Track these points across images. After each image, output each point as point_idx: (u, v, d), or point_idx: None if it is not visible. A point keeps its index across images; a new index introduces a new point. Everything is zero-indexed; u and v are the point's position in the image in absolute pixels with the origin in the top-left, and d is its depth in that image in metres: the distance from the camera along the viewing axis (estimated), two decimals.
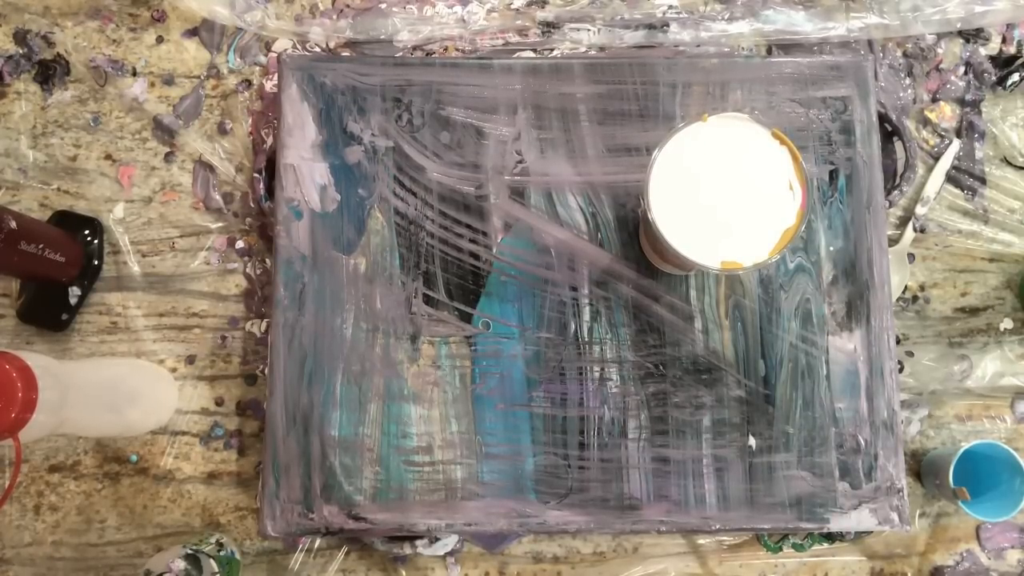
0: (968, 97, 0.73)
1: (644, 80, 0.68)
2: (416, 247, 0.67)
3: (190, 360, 0.69)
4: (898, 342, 0.70)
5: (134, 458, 0.68)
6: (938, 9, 0.71)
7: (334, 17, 0.73)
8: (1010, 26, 0.74)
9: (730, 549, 0.68)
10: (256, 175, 0.70)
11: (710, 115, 0.54)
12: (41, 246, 0.64)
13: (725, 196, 0.54)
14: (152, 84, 0.73)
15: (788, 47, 0.73)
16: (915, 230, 0.71)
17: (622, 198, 0.67)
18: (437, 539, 0.65)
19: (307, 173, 0.67)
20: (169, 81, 0.73)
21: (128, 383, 0.67)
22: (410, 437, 0.64)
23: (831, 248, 0.66)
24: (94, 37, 0.74)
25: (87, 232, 0.70)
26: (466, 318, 0.66)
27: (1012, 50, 0.74)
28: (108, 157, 0.72)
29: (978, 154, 0.73)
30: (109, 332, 0.70)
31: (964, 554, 0.68)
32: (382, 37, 0.73)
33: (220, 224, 0.71)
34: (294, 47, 0.73)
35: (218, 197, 0.71)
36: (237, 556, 0.65)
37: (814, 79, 0.68)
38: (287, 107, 0.68)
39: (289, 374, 0.64)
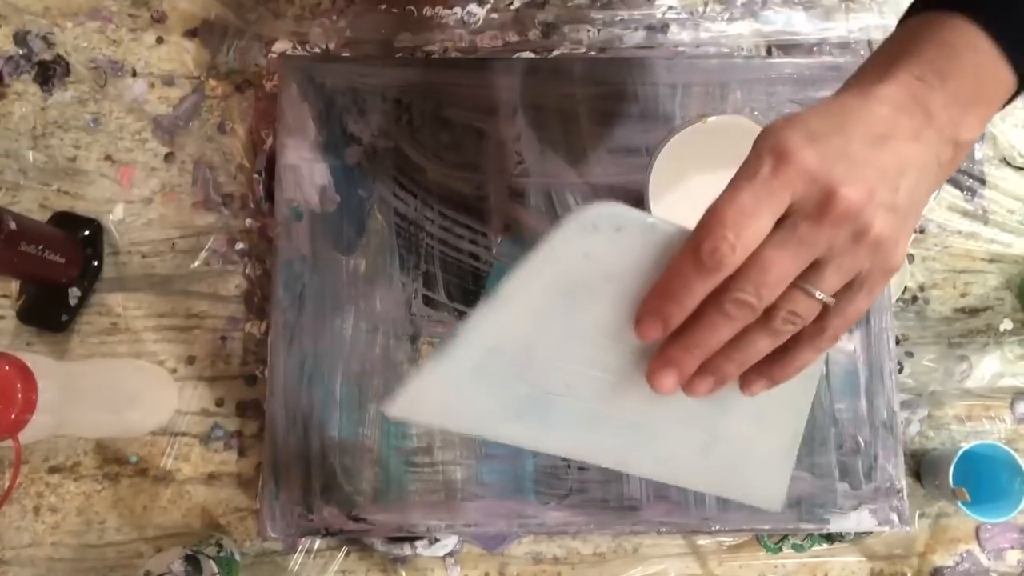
0: None
1: (644, 81, 0.68)
2: (416, 248, 0.67)
3: (190, 361, 0.69)
4: (898, 342, 0.70)
5: (134, 459, 0.68)
6: None
7: (334, 18, 0.73)
8: None
9: (730, 550, 0.68)
10: (256, 176, 0.70)
11: (710, 117, 0.54)
12: (41, 247, 0.64)
13: None
14: (152, 85, 0.73)
15: (787, 48, 0.73)
16: (915, 230, 0.71)
17: (622, 198, 0.67)
18: (437, 540, 0.65)
19: (307, 174, 0.67)
20: (169, 82, 0.73)
21: (128, 384, 0.67)
22: (410, 438, 0.64)
23: None
24: (94, 38, 0.74)
25: (87, 233, 0.70)
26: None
27: None
28: (108, 158, 0.72)
29: (978, 155, 0.73)
30: (109, 333, 0.70)
31: (964, 555, 0.68)
32: (382, 38, 0.73)
33: (220, 225, 0.71)
34: (294, 48, 0.73)
35: (218, 198, 0.71)
36: (237, 557, 0.64)
37: (814, 80, 0.68)
38: (287, 108, 0.68)
39: (289, 375, 0.64)
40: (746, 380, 0.39)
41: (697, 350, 0.36)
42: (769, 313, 0.35)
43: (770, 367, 0.38)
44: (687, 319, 0.36)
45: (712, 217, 0.34)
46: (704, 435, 0.40)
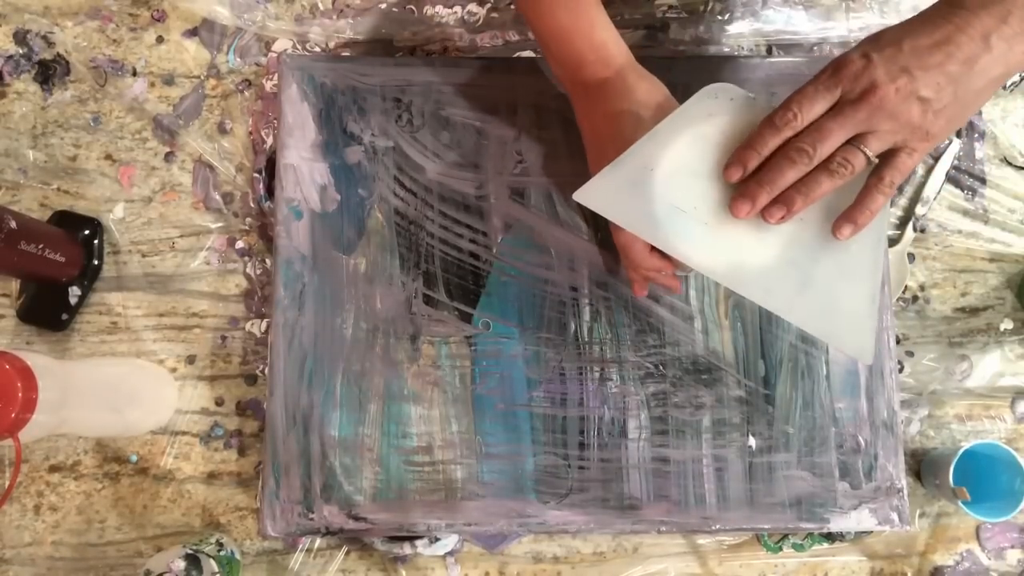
0: None
1: None
2: (416, 247, 0.67)
3: (190, 360, 0.69)
4: (898, 342, 0.70)
5: (134, 458, 0.68)
6: None
7: (334, 17, 0.73)
8: None
9: (730, 549, 0.68)
10: (256, 175, 0.70)
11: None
12: (41, 246, 0.64)
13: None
14: (152, 84, 0.73)
15: (788, 47, 0.73)
16: (915, 230, 0.71)
17: None
18: (437, 539, 0.65)
19: (307, 173, 0.67)
20: (169, 81, 0.73)
21: (128, 383, 0.67)
22: (410, 437, 0.64)
23: None
24: (94, 37, 0.74)
25: (87, 232, 0.70)
26: (466, 318, 0.66)
27: None
28: (108, 157, 0.72)
29: (978, 154, 0.73)
30: (109, 332, 0.70)
31: (964, 554, 0.68)
32: (382, 37, 0.73)
33: (220, 224, 0.71)
34: (294, 47, 0.73)
35: (218, 197, 0.71)
36: (237, 556, 0.65)
37: None
38: (287, 107, 0.68)
39: (289, 374, 0.64)
40: (836, 226, 0.50)
41: (767, 186, 0.49)
42: (827, 159, 0.48)
43: (852, 212, 0.49)
44: (761, 165, 0.49)
45: (785, 101, 0.49)
46: (800, 275, 0.51)
